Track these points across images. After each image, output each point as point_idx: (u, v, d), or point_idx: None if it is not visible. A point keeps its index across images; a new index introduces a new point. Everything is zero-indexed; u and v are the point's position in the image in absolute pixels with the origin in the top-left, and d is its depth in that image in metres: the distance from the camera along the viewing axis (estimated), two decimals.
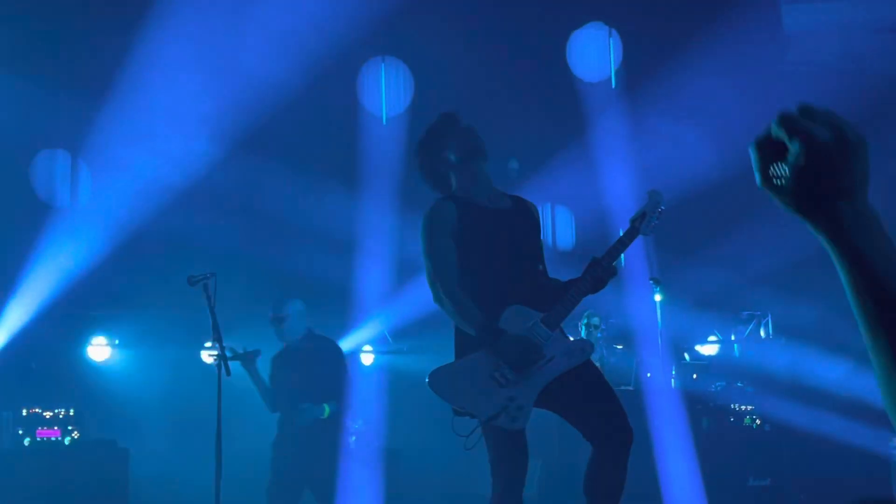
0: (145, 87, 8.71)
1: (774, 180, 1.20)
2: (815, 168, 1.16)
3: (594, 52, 10.57)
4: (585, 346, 4.64)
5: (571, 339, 4.72)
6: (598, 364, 9.07)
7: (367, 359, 10.69)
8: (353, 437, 9.09)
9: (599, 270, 4.59)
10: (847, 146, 1.16)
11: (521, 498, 4.52)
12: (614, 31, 10.50)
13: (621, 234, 4.78)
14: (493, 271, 4.60)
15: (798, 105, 1.20)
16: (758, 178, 1.22)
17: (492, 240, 4.64)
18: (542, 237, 4.90)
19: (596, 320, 8.98)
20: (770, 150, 1.21)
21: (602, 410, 4.53)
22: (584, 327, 8.96)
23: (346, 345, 10.34)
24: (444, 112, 4.87)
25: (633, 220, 4.77)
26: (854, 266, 1.15)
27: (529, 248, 4.73)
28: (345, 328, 10.15)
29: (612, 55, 10.57)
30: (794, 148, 1.17)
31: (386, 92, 10.47)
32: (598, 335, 9.01)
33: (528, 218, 4.83)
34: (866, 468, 8.33)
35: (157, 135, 9.01)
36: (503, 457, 4.52)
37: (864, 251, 1.15)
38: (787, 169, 1.18)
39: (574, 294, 4.58)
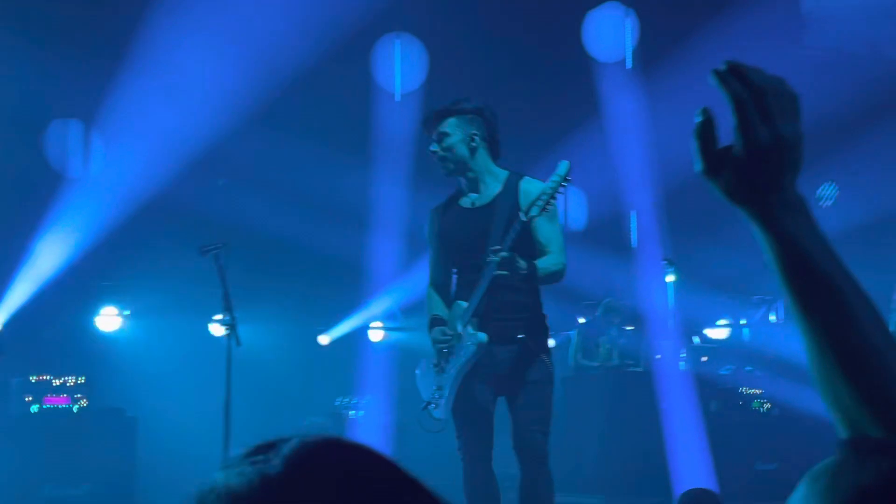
0: (160, 56, 8.68)
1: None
2: (752, 165, 1.21)
3: (609, 33, 10.52)
4: (475, 339, 4.70)
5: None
6: (608, 346, 9.14)
7: (376, 335, 10.69)
8: (362, 412, 9.11)
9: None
10: (784, 147, 1.21)
11: (486, 469, 4.72)
12: (631, 11, 10.45)
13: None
14: (456, 268, 4.91)
15: (728, 64, 1.24)
16: (697, 165, 1.25)
17: (455, 241, 4.86)
18: (517, 223, 4.61)
19: (614, 305, 8.96)
20: (710, 137, 1.24)
21: (519, 422, 4.72)
22: (602, 309, 8.95)
23: (355, 321, 10.37)
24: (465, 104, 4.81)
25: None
26: (785, 252, 1.21)
27: (486, 245, 4.69)
28: (355, 304, 10.15)
29: (627, 36, 10.51)
30: (736, 145, 1.21)
31: (400, 69, 10.42)
32: (614, 319, 9.00)
33: (501, 211, 4.71)
34: None
35: (171, 105, 8.98)
36: (462, 432, 4.77)
37: (795, 238, 1.20)
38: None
39: (480, 284, 4.65)
